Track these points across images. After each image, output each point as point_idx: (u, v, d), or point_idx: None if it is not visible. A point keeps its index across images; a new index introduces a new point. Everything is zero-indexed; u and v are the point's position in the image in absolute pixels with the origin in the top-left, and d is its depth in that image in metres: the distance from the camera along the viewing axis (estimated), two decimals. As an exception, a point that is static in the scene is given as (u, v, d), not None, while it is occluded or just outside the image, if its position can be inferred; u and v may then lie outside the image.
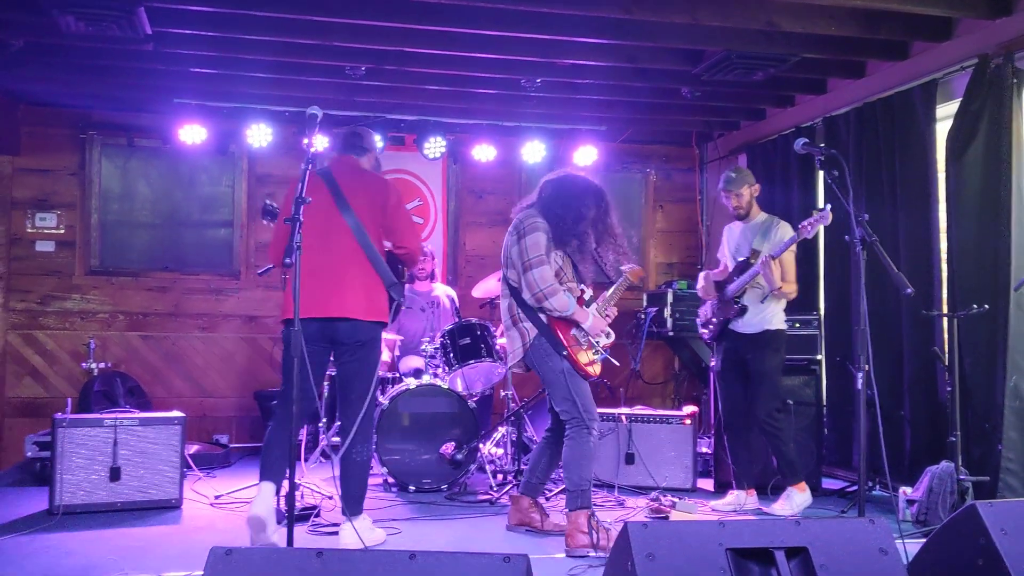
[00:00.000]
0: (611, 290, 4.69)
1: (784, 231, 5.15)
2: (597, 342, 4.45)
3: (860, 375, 3.80)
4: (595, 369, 4.44)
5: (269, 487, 4.37)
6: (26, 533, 4.40)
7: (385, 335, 6.50)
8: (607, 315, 4.57)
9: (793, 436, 5.34)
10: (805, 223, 4.84)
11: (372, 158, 4.64)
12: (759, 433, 5.19)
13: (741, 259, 5.21)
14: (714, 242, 8.23)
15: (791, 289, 5.13)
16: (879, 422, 3.96)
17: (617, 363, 4.89)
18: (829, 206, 4.76)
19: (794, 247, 5.03)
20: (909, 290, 3.86)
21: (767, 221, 5.26)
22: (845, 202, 3.94)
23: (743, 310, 5.15)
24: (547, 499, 5.24)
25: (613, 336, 4.55)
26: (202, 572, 2.19)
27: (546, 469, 4.63)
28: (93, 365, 6.51)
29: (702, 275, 5.44)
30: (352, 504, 4.21)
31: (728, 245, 5.44)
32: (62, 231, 7.25)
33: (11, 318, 7.16)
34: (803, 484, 5.13)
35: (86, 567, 3.80)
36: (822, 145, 5.61)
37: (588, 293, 4.55)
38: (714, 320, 5.31)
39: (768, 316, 5.15)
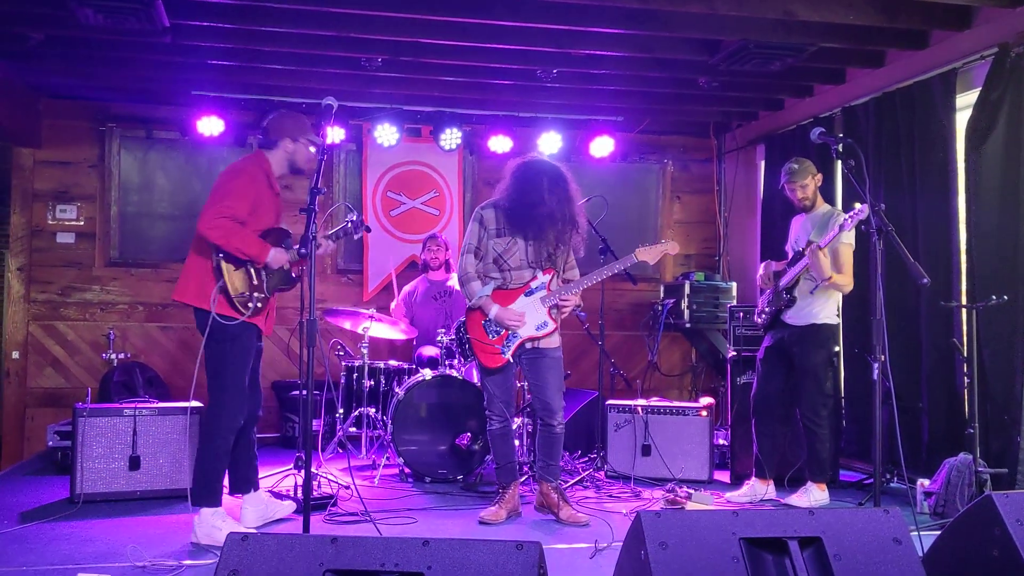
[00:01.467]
0: (592, 274, 4.71)
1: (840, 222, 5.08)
2: (514, 333, 4.58)
3: (876, 365, 3.79)
4: (495, 360, 4.60)
5: (253, 497, 4.45)
6: (48, 521, 4.45)
7: (400, 331, 6.53)
8: (563, 302, 4.59)
9: (831, 437, 5.27)
10: (845, 217, 4.78)
11: (285, 147, 4.35)
12: (800, 427, 5.18)
13: (797, 250, 5.16)
14: (732, 233, 8.21)
15: (844, 281, 5.01)
16: (895, 414, 3.93)
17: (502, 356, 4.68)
18: (868, 195, 4.67)
19: (853, 241, 4.98)
20: (925, 280, 3.82)
21: (828, 212, 5.12)
22: (861, 192, 3.92)
23: (791, 301, 5.10)
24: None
25: (548, 327, 4.59)
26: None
27: (547, 452, 4.71)
28: (113, 355, 6.57)
29: (763, 264, 5.39)
30: (192, 495, 4.15)
31: (792, 235, 5.35)
32: (82, 223, 7.32)
33: (32, 309, 7.24)
34: (824, 485, 5.11)
35: (106, 554, 3.85)
36: (840, 135, 5.56)
37: (538, 280, 4.61)
38: (767, 309, 5.29)
39: (816, 310, 5.07)
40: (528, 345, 4.63)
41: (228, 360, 4.20)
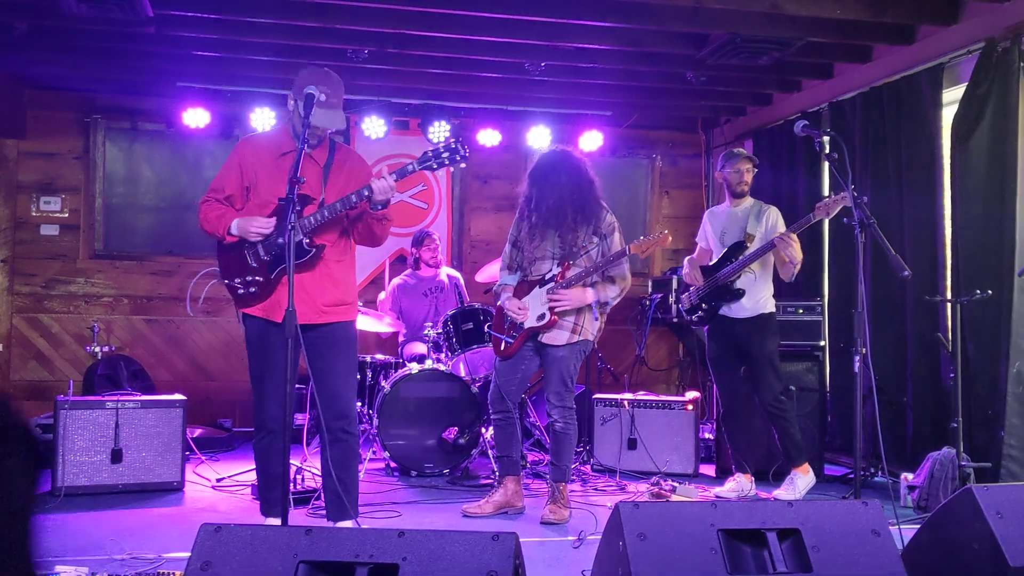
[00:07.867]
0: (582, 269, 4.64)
1: (775, 216, 5.10)
2: (520, 324, 4.57)
3: (857, 358, 3.78)
4: (504, 347, 4.62)
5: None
6: (28, 513, 4.42)
7: (387, 325, 6.51)
8: (555, 298, 4.45)
9: (798, 419, 5.29)
10: (820, 204, 4.74)
11: (289, 105, 3.87)
12: (765, 417, 5.17)
13: (734, 243, 5.13)
14: (719, 228, 8.20)
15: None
16: (876, 407, 3.94)
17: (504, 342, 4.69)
18: (852, 187, 4.63)
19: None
20: (906, 272, 3.82)
21: (755, 206, 5.16)
22: (844, 185, 3.91)
23: (741, 294, 5.09)
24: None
25: (544, 319, 4.50)
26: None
27: (551, 449, 4.74)
28: (97, 349, 6.53)
29: (687, 260, 5.37)
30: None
31: (712, 229, 5.32)
32: (66, 215, 7.26)
33: (16, 301, 7.19)
34: (806, 466, 5.09)
35: (86, 547, 3.81)
36: (827, 129, 5.57)
37: (552, 272, 4.54)
38: (704, 306, 5.23)
39: (763, 300, 5.09)
40: (538, 338, 4.57)
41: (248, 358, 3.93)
